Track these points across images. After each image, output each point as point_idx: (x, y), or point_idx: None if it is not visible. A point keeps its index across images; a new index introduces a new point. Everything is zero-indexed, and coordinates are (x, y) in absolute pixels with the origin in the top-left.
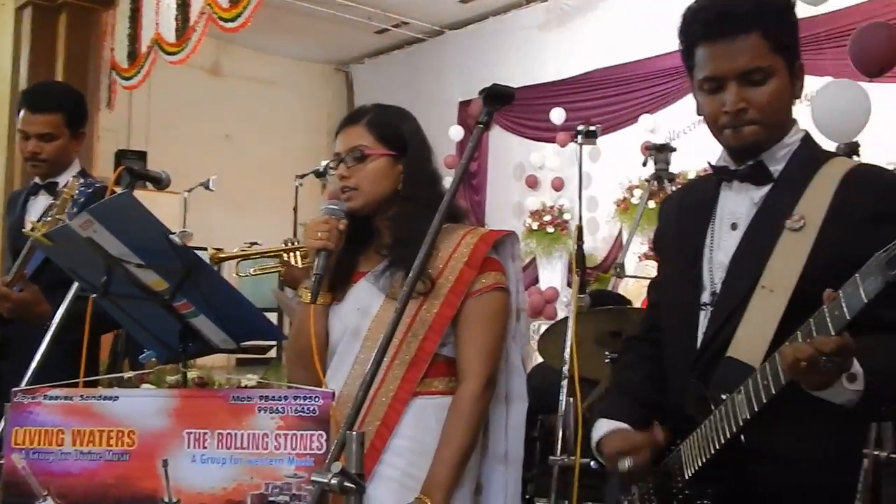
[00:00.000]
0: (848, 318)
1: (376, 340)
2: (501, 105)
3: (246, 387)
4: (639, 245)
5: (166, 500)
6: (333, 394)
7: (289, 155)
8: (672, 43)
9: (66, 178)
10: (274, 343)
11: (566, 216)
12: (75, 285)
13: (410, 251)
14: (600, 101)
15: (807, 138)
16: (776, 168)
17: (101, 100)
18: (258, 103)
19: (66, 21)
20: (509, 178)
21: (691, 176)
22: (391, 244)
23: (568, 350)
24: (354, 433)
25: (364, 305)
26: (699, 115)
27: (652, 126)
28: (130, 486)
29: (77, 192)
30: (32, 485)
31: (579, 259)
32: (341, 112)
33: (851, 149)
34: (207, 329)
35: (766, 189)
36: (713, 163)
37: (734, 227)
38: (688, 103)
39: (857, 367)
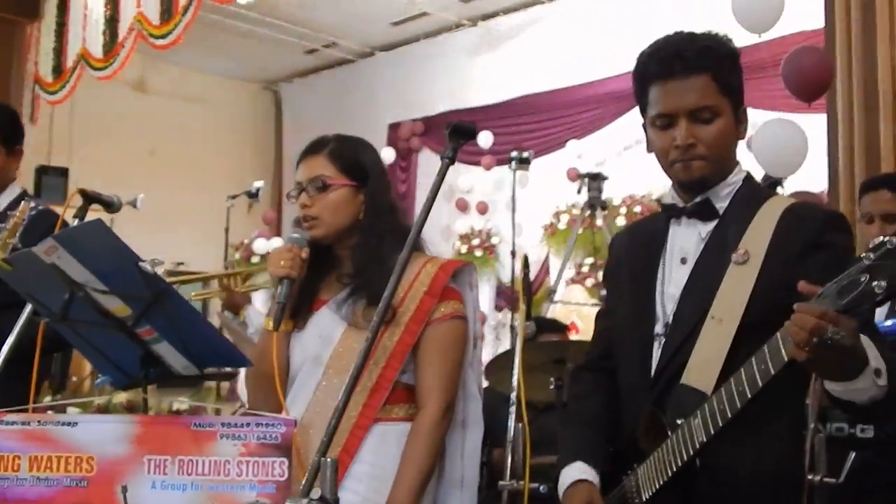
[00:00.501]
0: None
1: (338, 368)
2: (465, 140)
3: (181, 412)
4: (566, 270)
5: None
6: (295, 421)
7: (216, 173)
8: (599, 71)
9: (5, 199)
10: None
11: (494, 240)
12: (27, 309)
13: (372, 280)
14: (528, 126)
15: (748, 178)
16: (721, 205)
17: (23, 114)
18: (184, 120)
19: None
20: (439, 201)
21: (616, 202)
22: (352, 272)
23: (515, 377)
24: (329, 459)
25: (325, 333)
26: (649, 151)
27: (579, 152)
28: None
29: (26, 216)
30: None
31: (525, 287)
32: (269, 131)
33: (774, 183)
34: (169, 355)
35: (712, 224)
36: (663, 201)
37: (684, 261)
38: (614, 130)
39: (878, 362)
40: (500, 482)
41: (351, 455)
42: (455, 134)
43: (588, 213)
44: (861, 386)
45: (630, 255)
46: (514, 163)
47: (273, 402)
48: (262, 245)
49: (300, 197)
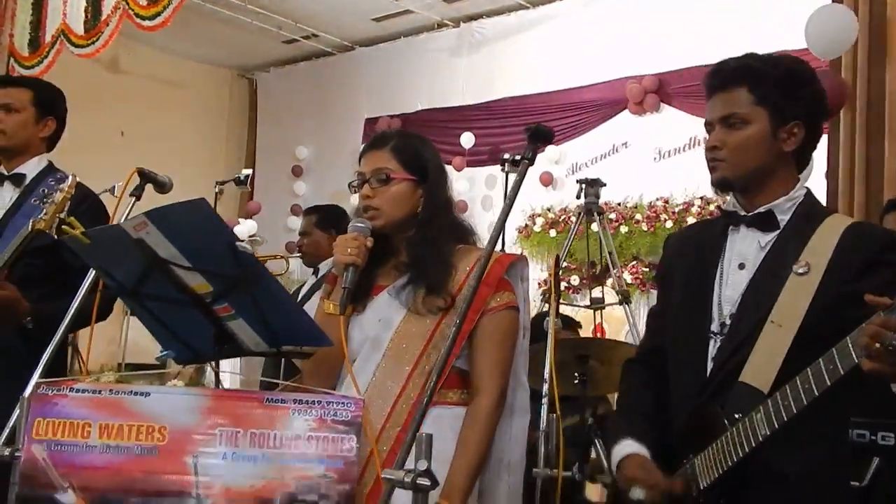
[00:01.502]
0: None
1: (397, 351)
2: (543, 143)
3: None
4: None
5: (194, 495)
6: (363, 401)
7: (187, 158)
8: (579, 78)
9: (31, 169)
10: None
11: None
12: (86, 283)
13: (430, 269)
14: (505, 128)
15: (809, 194)
16: (783, 217)
17: None
18: (157, 103)
19: None
20: None
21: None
22: (410, 262)
23: (547, 371)
24: (424, 434)
25: (385, 317)
26: None
27: (557, 157)
28: (158, 480)
29: (48, 187)
30: (52, 476)
31: (556, 286)
32: (242, 118)
33: None
34: (243, 333)
35: (772, 235)
36: (723, 207)
37: (742, 266)
38: (592, 137)
39: None
40: (535, 469)
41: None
42: (534, 137)
43: (585, 217)
44: None
45: (684, 258)
46: (507, 164)
47: (329, 382)
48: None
49: (363, 188)
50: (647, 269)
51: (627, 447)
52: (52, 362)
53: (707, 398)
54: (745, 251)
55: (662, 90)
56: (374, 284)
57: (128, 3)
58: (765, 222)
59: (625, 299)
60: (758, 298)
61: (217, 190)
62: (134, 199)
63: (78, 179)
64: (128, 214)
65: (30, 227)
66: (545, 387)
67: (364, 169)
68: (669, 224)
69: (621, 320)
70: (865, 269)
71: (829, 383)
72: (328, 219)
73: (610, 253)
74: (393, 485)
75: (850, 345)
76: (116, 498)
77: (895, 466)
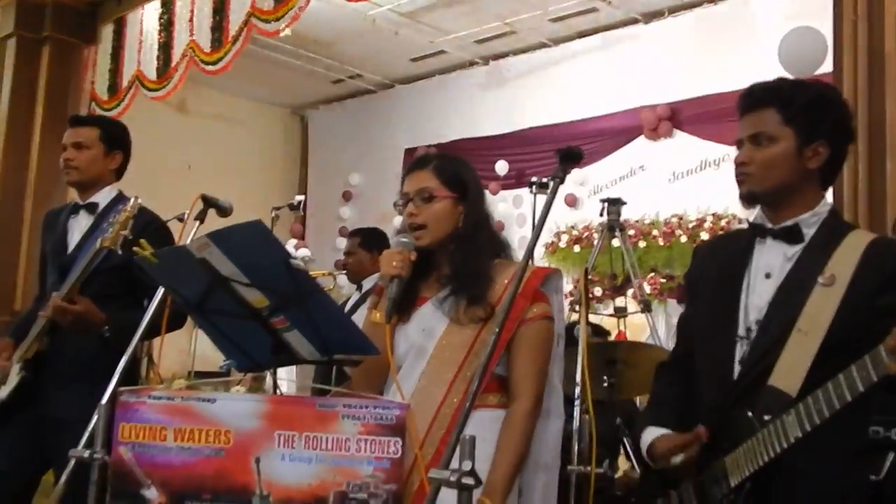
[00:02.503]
0: None
1: (441, 359)
2: (572, 164)
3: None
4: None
5: (258, 493)
6: (408, 406)
7: (247, 189)
8: (598, 108)
9: (103, 198)
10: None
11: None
12: (157, 298)
13: (471, 282)
14: (532, 155)
15: (833, 211)
16: (808, 231)
17: None
18: (220, 140)
19: (48, 53)
20: None
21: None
22: (451, 275)
23: (579, 375)
24: (468, 436)
25: (429, 327)
26: None
27: (581, 180)
28: (226, 479)
29: (118, 213)
30: (138, 474)
31: (585, 296)
32: (296, 152)
33: None
34: (298, 343)
35: (797, 247)
36: (751, 220)
37: (768, 276)
38: (612, 161)
39: None
40: (569, 466)
41: (451, 436)
42: (565, 158)
43: (608, 232)
44: None
45: (713, 266)
46: (534, 186)
47: (376, 388)
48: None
49: (407, 206)
50: (664, 281)
51: (652, 432)
52: (128, 371)
53: (735, 399)
54: (771, 262)
55: (675, 117)
56: (418, 296)
57: (194, 51)
58: (791, 235)
59: (646, 308)
60: (785, 306)
61: (273, 215)
62: (198, 222)
63: (142, 204)
64: (193, 236)
65: (97, 244)
66: (577, 390)
67: (408, 189)
68: (684, 239)
69: (641, 327)
70: (888, 283)
71: (861, 389)
72: (370, 240)
73: (631, 265)
74: (439, 484)
75: (883, 353)
76: (191, 494)
77: None
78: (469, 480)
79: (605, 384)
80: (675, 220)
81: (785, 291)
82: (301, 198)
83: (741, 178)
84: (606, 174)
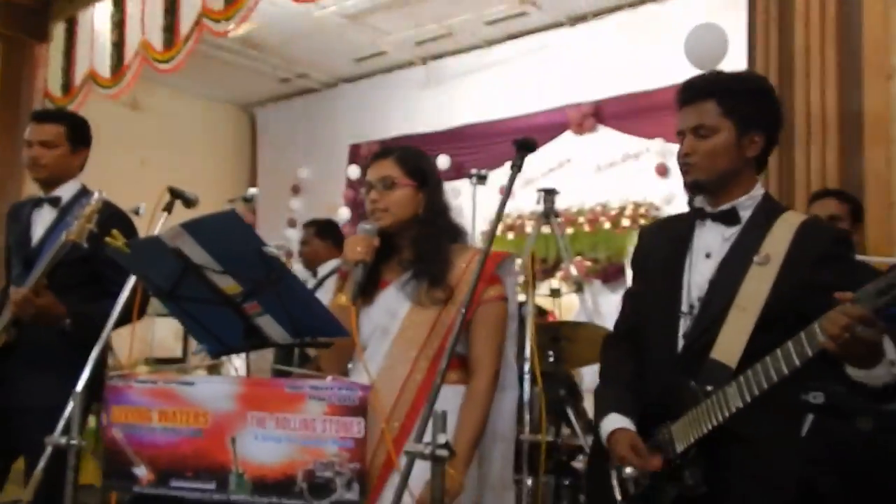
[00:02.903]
0: None
1: (405, 339)
2: (528, 152)
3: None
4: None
5: (234, 471)
6: (370, 387)
7: (198, 183)
8: (528, 106)
9: (67, 192)
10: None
11: None
12: (127, 287)
13: (432, 265)
14: (468, 150)
15: (766, 195)
16: (744, 214)
17: None
18: (171, 136)
19: (0, 50)
20: None
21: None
22: (413, 258)
23: (528, 351)
24: (440, 411)
25: (392, 309)
26: None
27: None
28: (206, 458)
29: (83, 206)
30: (129, 454)
31: (533, 280)
32: (245, 147)
33: None
34: (269, 327)
35: (734, 229)
36: (694, 204)
37: (708, 255)
38: (541, 154)
39: (893, 353)
40: (521, 435)
41: (417, 411)
42: (521, 147)
43: (544, 219)
44: (879, 373)
45: (658, 247)
46: (474, 178)
47: (342, 368)
48: None
49: (370, 193)
50: (590, 264)
51: (615, 421)
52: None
53: (679, 371)
54: (710, 242)
55: (599, 114)
56: (381, 280)
57: (147, 50)
58: (728, 217)
59: (579, 288)
60: (724, 284)
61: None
62: (166, 213)
63: (106, 198)
64: (161, 227)
65: (63, 238)
66: (526, 365)
67: (371, 177)
68: (608, 225)
69: (571, 307)
70: (820, 262)
71: (797, 363)
72: (324, 230)
73: (564, 249)
74: (413, 457)
75: (817, 330)
76: (176, 472)
77: (826, 420)
78: (443, 452)
79: (550, 359)
80: (599, 208)
81: (724, 270)
82: (255, 190)
83: (685, 169)
84: (536, 167)
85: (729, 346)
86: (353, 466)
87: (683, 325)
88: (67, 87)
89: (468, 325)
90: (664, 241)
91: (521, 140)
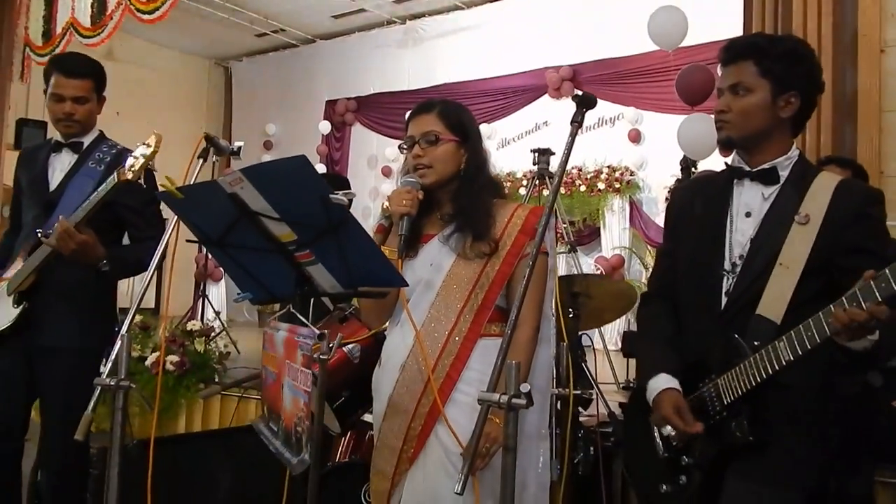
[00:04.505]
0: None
1: (449, 290)
2: (588, 108)
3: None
4: None
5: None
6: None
7: (174, 135)
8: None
9: (89, 138)
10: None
11: None
12: (168, 232)
13: (475, 219)
14: None
15: (801, 155)
16: (783, 174)
17: (14, 73)
18: (147, 88)
19: None
20: (365, 167)
21: (519, 175)
22: (454, 212)
23: (553, 307)
24: (513, 363)
25: (437, 262)
26: None
27: (488, 133)
28: (274, 402)
29: (102, 153)
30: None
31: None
32: (220, 100)
33: (690, 163)
34: (320, 276)
35: (773, 188)
36: (729, 163)
37: (748, 214)
38: (518, 117)
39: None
40: (550, 389)
41: (463, 362)
42: (581, 103)
43: (537, 180)
44: (863, 343)
45: (693, 206)
46: None
47: (384, 319)
48: None
49: (413, 149)
50: (566, 226)
51: (664, 382)
52: (111, 305)
53: (722, 328)
54: (750, 201)
55: (576, 78)
56: (422, 233)
57: (130, 0)
58: (768, 177)
59: (572, 248)
60: (766, 243)
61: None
62: (201, 160)
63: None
64: (197, 173)
65: (116, 177)
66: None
67: (413, 132)
68: (583, 188)
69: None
70: (853, 221)
71: None
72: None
73: (559, 209)
74: (488, 405)
75: (872, 285)
76: (273, 415)
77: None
78: (520, 401)
79: (571, 315)
80: (575, 171)
81: (765, 229)
82: (241, 143)
83: (720, 125)
84: (513, 129)
85: (774, 302)
86: (307, 424)
87: (726, 282)
88: (48, 35)
89: (510, 278)
90: (700, 201)
91: (581, 96)
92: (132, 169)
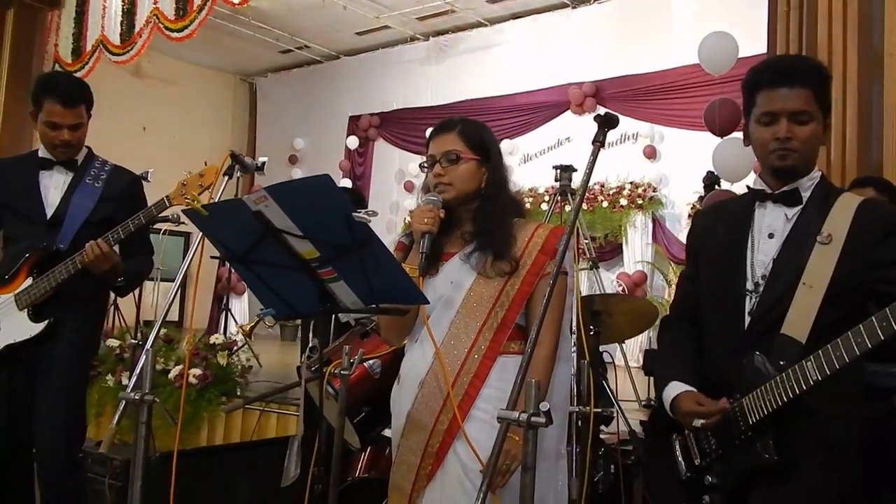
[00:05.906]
0: None
1: (469, 308)
2: (610, 127)
3: None
4: None
5: None
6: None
7: (198, 150)
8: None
9: (81, 155)
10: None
11: None
12: (193, 249)
13: (495, 238)
14: None
15: (823, 176)
16: (805, 195)
17: None
18: (173, 103)
19: (13, 16)
20: (388, 182)
21: (541, 191)
22: (475, 231)
23: (575, 323)
24: (533, 381)
25: (457, 280)
26: (746, 144)
27: (511, 149)
28: None
29: (96, 169)
30: None
31: (577, 254)
32: (244, 116)
33: (714, 180)
34: (342, 292)
35: (796, 209)
36: (752, 186)
37: (771, 235)
38: (540, 133)
39: None
40: (569, 407)
41: (482, 380)
42: (604, 123)
43: (559, 197)
44: None
45: (716, 229)
46: None
47: (403, 336)
48: None
49: (434, 167)
50: (588, 241)
51: (677, 387)
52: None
53: (746, 347)
54: (773, 223)
55: (599, 94)
56: (444, 251)
57: (158, 18)
58: (791, 198)
59: (594, 265)
60: (789, 263)
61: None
62: (226, 177)
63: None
64: (222, 190)
65: (165, 201)
66: (573, 339)
67: (434, 151)
68: (605, 204)
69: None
70: (880, 240)
71: (882, 338)
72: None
73: (580, 225)
74: (508, 423)
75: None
76: None
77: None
78: (539, 420)
79: (592, 332)
80: (597, 187)
81: (788, 249)
82: (265, 159)
83: (784, 153)
84: (535, 145)
85: (798, 321)
86: None
87: (749, 302)
88: (78, 52)
89: (529, 297)
90: (722, 223)
91: (603, 115)
92: (182, 193)
